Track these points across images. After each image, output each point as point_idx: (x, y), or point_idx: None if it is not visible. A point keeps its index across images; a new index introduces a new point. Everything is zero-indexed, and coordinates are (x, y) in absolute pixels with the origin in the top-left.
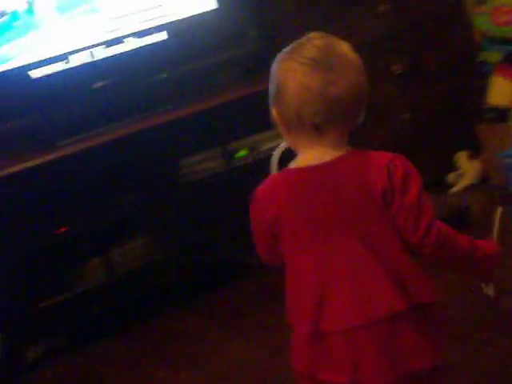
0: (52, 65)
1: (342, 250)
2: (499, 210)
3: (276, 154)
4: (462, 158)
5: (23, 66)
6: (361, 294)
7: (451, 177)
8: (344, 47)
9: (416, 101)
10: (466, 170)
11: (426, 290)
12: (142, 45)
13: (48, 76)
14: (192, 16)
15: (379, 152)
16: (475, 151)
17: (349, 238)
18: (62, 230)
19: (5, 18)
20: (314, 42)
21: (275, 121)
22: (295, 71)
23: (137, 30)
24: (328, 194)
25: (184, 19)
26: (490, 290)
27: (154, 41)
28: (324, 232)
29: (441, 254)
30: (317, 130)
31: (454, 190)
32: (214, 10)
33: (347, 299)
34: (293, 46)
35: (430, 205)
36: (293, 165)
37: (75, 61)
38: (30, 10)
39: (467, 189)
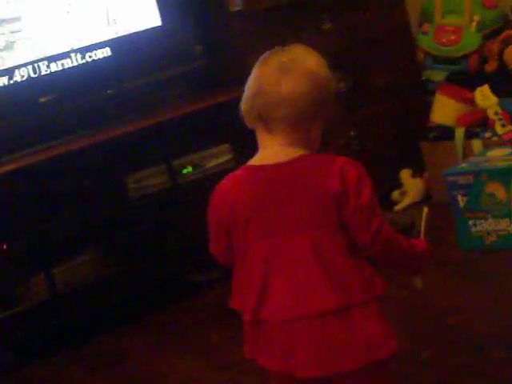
0: None
1: (288, 246)
2: (425, 210)
3: None
4: (405, 175)
5: None
6: (299, 288)
7: (395, 194)
8: (310, 59)
9: (361, 118)
10: (409, 187)
11: (366, 292)
12: (86, 61)
13: None
14: (136, 32)
15: (333, 156)
16: (419, 169)
17: (297, 237)
18: (4, 246)
19: None
20: (291, 49)
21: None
22: (262, 70)
23: (81, 46)
24: (281, 194)
25: (128, 35)
26: (418, 282)
27: (98, 57)
28: (274, 228)
29: (387, 252)
30: (265, 125)
31: (398, 207)
32: (158, 26)
33: (286, 292)
34: (275, 49)
35: (379, 207)
36: (251, 162)
37: (19, 76)
38: None
39: (411, 206)
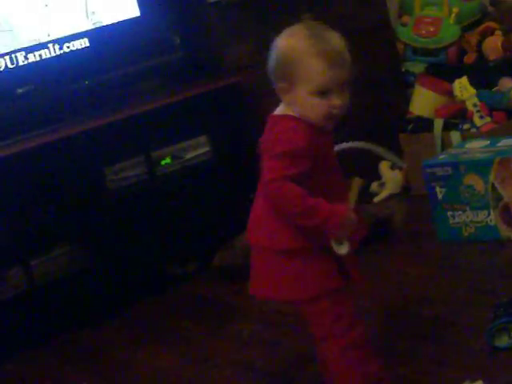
0: None
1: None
2: (356, 180)
3: None
4: (384, 167)
5: None
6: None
7: (374, 186)
8: (290, 29)
9: None
10: (388, 179)
11: (269, 241)
12: (64, 51)
13: None
14: (114, 23)
15: (290, 121)
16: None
17: None
18: None
19: None
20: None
21: None
22: None
23: (59, 37)
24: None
25: (106, 26)
26: (338, 248)
27: (76, 48)
28: None
29: (278, 205)
30: None
31: (377, 199)
32: (137, 17)
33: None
34: None
35: (280, 166)
36: None
37: None
38: None
39: (390, 198)
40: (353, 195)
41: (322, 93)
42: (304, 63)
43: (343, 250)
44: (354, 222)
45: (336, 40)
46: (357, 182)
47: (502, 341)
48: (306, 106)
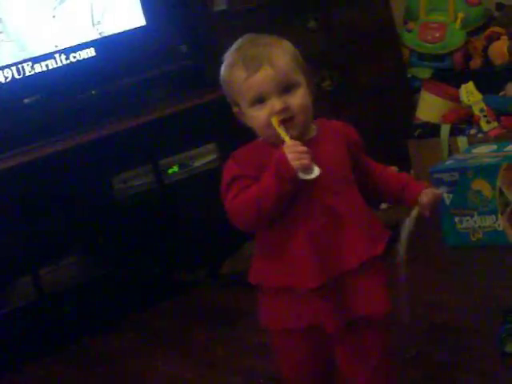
0: None
1: None
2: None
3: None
4: None
5: None
6: None
7: None
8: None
9: (347, 116)
10: None
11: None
12: (71, 61)
13: None
14: (120, 32)
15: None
16: (405, 167)
17: None
18: None
19: None
20: None
21: None
22: None
23: (65, 47)
24: None
25: (112, 36)
26: (312, 174)
27: (83, 57)
28: None
29: (238, 223)
30: None
31: (384, 205)
32: (143, 26)
33: None
34: None
35: (226, 197)
36: None
37: (3, 77)
38: None
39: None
40: (283, 133)
41: (260, 102)
42: (232, 79)
43: (315, 173)
44: (299, 145)
45: (254, 44)
46: (275, 120)
47: None
48: (253, 123)
